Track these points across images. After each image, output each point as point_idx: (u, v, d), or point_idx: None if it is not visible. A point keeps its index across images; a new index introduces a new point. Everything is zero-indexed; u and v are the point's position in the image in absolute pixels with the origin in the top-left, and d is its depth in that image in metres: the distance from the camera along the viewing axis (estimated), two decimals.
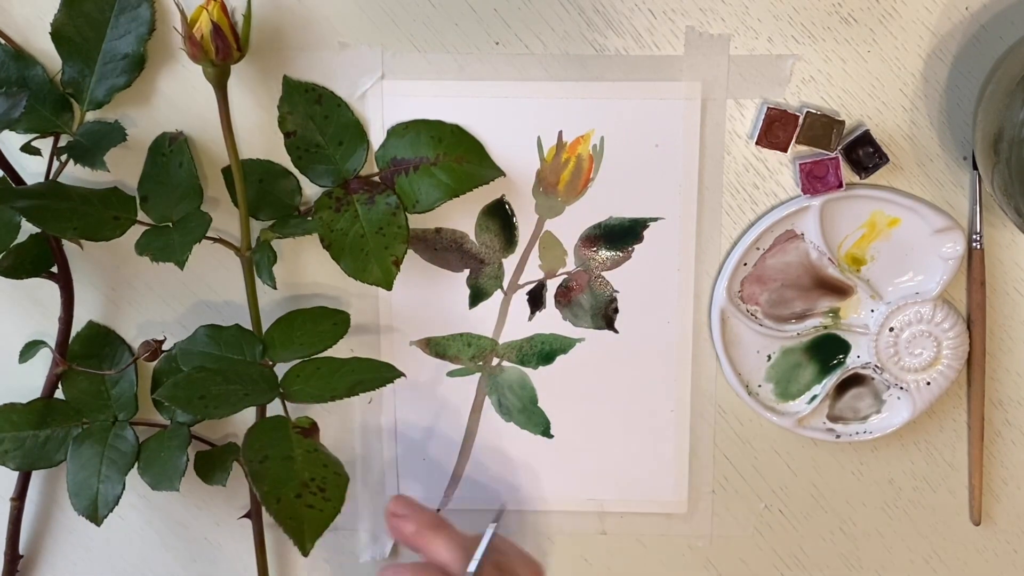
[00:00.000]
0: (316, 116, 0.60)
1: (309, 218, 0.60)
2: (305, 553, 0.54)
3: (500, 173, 0.60)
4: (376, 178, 0.61)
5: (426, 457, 0.67)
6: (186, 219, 0.60)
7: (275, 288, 0.61)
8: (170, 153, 0.60)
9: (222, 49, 0.55)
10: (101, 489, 0.61)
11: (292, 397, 0.58)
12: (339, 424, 0.67)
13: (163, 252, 0.56)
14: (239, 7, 0.58)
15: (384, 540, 0.68)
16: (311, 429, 0.58)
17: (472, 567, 0.57)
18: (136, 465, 0.62)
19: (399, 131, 0.61)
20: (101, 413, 0.64)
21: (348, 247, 0.59)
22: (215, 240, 0.61)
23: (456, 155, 0.60)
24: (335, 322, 0.61)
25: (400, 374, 0.58)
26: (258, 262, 0.60)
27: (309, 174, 0.61)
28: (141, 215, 0.60)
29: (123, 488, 0.61)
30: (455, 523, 0.67)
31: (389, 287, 0.59)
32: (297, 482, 0.55)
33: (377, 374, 0.59)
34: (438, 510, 0.68)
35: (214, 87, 0.56)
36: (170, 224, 0.60)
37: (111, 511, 0.61)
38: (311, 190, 0.62)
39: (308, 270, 0.64)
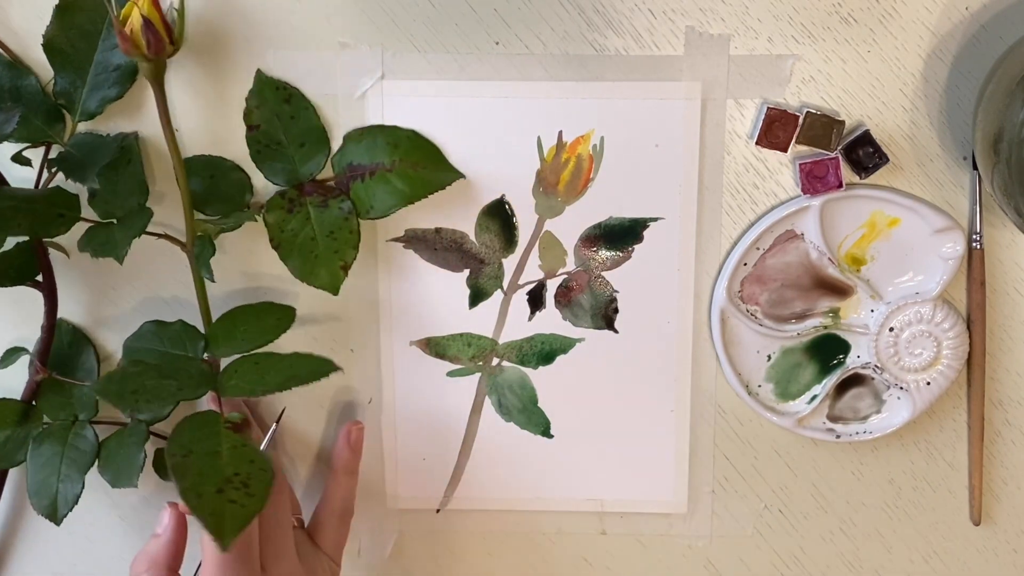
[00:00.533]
0: (283, 114, 0.60)
1: (257, 216, 0.60)
2: (224, 549, 0.51)
3: (457, 176, 0.60)
4: (331, 183, 0.61)
5: (426, 457, 0.67)
6: (129, 215, 0.59)
7: (214, 281, 0.60)
8: (121, 152, 0.60)
9: (154, 44, 0.55)
10: (61, 488, 0.61)
11: (225, 392, 0.58)
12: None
13: (103, 248, 0.56)
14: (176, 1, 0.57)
15: (384, 540, 0.68)
16: (242, 424, 0.58)
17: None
18: (97, 463, 0.62)
19: (355, 136, 0.61)
20: (62, 412, 0.63)
21: (297, 248, 0.59)
22: (160, 236, 0.60)
23: (412, 161, 0.60)
24: (279, 317, 0.61)
25: (335, 368, 0.57)
26: (198, 255, 0.60)
27: (265, 170, 0.61)
28: (87, 212, 0.60)
29: (83, 487, 0.61)
30: (455, 523, 0.68)
31: (336, 292, 0.59)
32: (220, 477, 0.53)
33: (312, 368, 0.57)
34: (437, 510, 0.68)
35: (150, 81, 0.56)
36: (114, 221, 0.60)
37: (71, 510, 0.61)
38: (262, 189, 0.62)
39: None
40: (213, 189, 0.61)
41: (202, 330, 0.62)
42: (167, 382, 0.57)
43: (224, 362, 0.60)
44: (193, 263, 0.60)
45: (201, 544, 0.57)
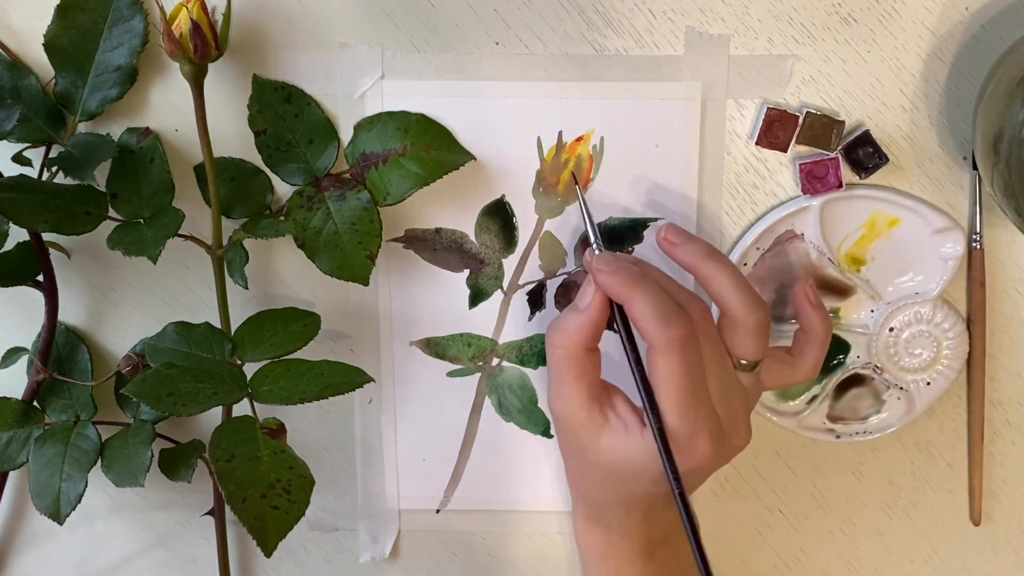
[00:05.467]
0: (286, 114, 0.61)
1: (281, 217, 0.60)
2: (268, 554, 0.53)
3: (470, 157, 0.61)
4: (347, 174, 0.61)
5: (426, 457, 0.67)
6: (158, 215, 0.59)
7: (246, 288, 0.61)
8: (140, 151, 0.60)
9: (200, 47, 0.55)
10: (63, 488, 0.61)
11: (260, 398, 0.58)
12: (339, 424, 0.67)
13: (136, 247, 0.56)
14: (219, 6, 0.58)
15: (384, 540, 0.68)
16: (278, 430, 0.58)
17: (592, 247, 0.58)
18: (100, 463, 0.62)
19: (365, 125, 0.61)
20: (63, 412, 0.64)
21: (322, 245, 0.60)
22: (186, 237, 0.60)
23: (424, 144, 0.60)
24: (305, 323, 0.61)
25: (369, 379, 0.58)
26: (230, 261, 0.60)
27: (280, 172, 0.61)
28: (112, 212, 0.60)
29: (85, 485, 0.61)
30: (455, 523, 0.68)
31: (366, 283, 0.59)
32: (263, 483, 0.54)
33: (346, 378, 0.58)
34: (437, 511, 0.68)
35: (191, 85, 0.56)
36: (141, 220, 0.60)
37: (73, 509, 0.61)
38: (283, 189, 0.62)
39: (309, 269, 0.64)
40: (235, 191, 0.62)
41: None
42: (202, 386, 0.57)
43: (248, 367, 0.60)
44: (217, 266, 0.60)
45: (653, 372, 0.54)
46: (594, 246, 0.58)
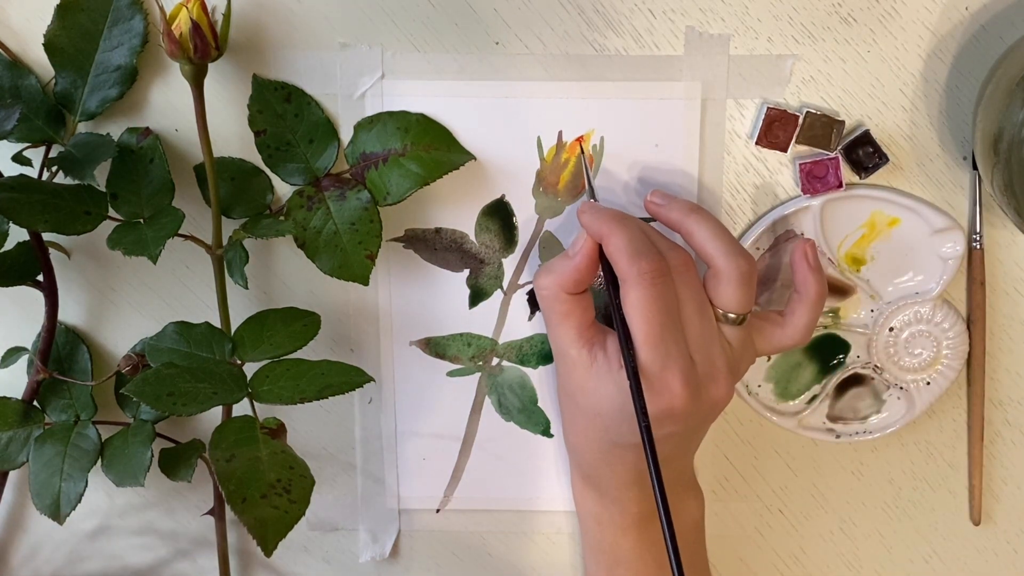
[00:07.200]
0: (286, 114, 0.61)
1: (281, 217, 0.60)
2: (268, 554, 0.53)
3: (470, 157, 0.61)
4: (347, 174, 0.61)
5: (426, 457, 0.67)
6: (158, 215, 0.59)
7: (247, 288, 0.61)
8: (140, 151, 0.60)
9: (200, 47, 0.55)
10: (63, 488, 0.61)
11: (260, 397, 0.58)
12: (339, 424, 0.67)
13: (135, 247, 0.56)
14: (219, 6, 0.58)
15: (384, 540, 0.68)
16: (278, 430, 0.58)
17: (585, 196, 0.61)
18: (100, 462, 0.62)
19: (365, 125, 0.61)
20: (64, 413, 0.64)
21: (322, 245, 0.60)
22: (186, 237, 0.60)
23: (424, 143, 0.60)
24: (305, 323, 0.61)
25: (370, 379, 0.58)
26: (230, 261, 0.60)
27: (280, 172, 0.61)
28: (112, 212, 0.60)
29: (86, 485, 0.61)
30: (455, 523, 0.68)
31: (366, 283, 0.60)
32: (263, 483, 0.54)
33: (347, 378, 0.58)
34: (437, 510, 0.68)
35: (191, 85, 0.57)
36: (141, 220, 0.60)
37: (73, 509, 0.61)
38: (283, 189, 0.62)
39: (309, 269, 0.64)
40: (235, 191, 0.62)
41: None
42: (202, 386, 0.57)
43: (248, 366, 0.60)
44: (217, 266, 0.60)
45: (625, 308, 0.55)
46: (586, 196, 0.60)
